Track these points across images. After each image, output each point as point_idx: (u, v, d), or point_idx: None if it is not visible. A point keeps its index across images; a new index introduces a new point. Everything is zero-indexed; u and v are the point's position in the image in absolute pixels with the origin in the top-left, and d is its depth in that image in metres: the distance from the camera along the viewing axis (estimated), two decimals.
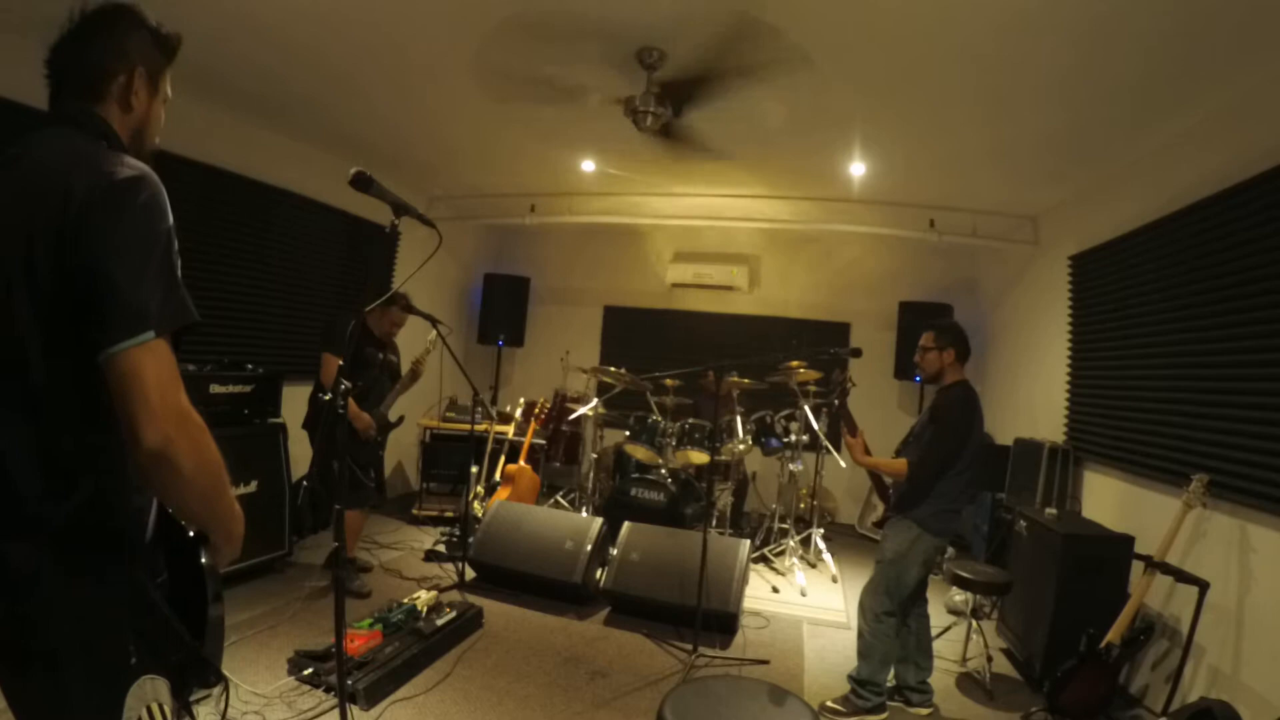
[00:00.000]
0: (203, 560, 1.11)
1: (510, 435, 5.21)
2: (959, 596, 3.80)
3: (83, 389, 0.97)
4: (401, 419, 3.88)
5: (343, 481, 2.02)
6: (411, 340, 5.57)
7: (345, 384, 1.99)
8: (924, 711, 2.82)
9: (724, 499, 4.89)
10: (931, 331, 2.85)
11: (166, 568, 1.11)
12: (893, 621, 2.73)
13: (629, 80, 3.16)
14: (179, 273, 1.02)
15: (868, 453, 2.91)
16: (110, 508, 1.02)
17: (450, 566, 4.10)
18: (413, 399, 5.67)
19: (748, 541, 3.76)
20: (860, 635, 2.77)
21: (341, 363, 2.09)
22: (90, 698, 0.98)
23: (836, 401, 3.18)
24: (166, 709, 1.03)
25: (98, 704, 0.98)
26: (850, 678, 2.79)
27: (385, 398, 3.70)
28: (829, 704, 2.76)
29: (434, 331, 3.66)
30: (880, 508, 3.03)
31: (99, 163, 0.99)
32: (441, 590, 3.55)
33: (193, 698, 1.10)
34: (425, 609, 3.10)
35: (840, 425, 3.06)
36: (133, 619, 1.01)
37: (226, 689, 1.24)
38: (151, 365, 0.94)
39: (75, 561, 0.98)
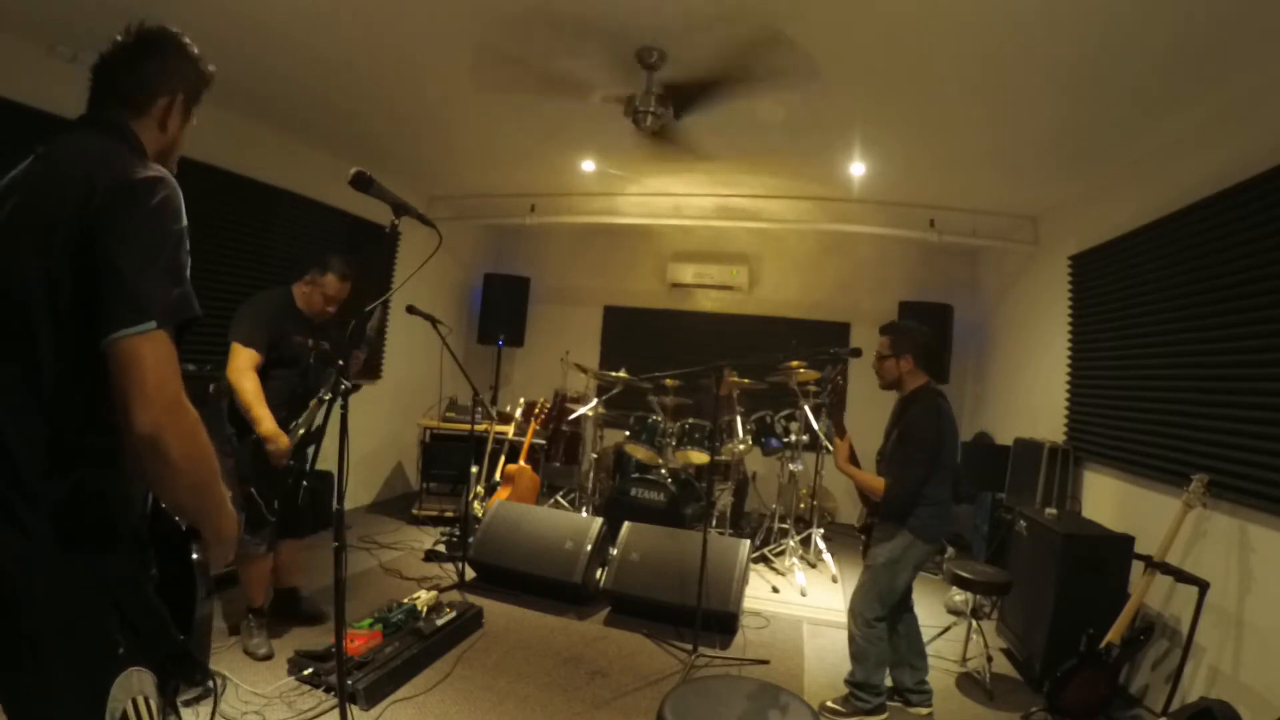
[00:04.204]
0: (194, 556, 1.11)
1: (510, 435, 5.20)
2: (959, 596, 3.80)
3: (88, 384, 1.00)
4: (320, 430, 2.58)
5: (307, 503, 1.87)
6: (410, 339, 5.53)
7: (347, 384, 1.95)
8: (924, 711, 2.81)
9: (724, 499, 4.89)
10: (886, 338, 2.72)
11: (158, 564, 1.12)
12: (884, 626, 2.72)
13: (629, 80, 3.16)
14: (187, 270, 1.05)
15: (853, 460, 2.87)
16: (103, 498, 1.04)
17: (450, 566, 4.10)
18: (412, 399, 5.71)
19: (748, 541, 3.76)
20: (852, 639, 2.75)
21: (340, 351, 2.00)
22: (76, 686, 0.98)
23: (829, 400, 3.13)
24: (152, 703, 1.03)
25: (83, 693, 0.98)
26: (847, 681, 2.78)
27: (303, 414, 2.83)
28: (829, 704, 2.76)
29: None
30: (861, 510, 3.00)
31: (122, 163, 1.04)
32: (441, 590, 3.55)
33: (180, 697, 1.10)
34: (425, 609, 3.10)
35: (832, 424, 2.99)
36: (121, 610, 1.02)
37: (215, 687, 1.24)
38: (151, 354, 0.97)
39: (67, 547, 0.99)
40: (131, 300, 0.96)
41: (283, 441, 2.73)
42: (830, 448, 4.85)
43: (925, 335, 2.74)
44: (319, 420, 2.60)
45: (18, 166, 1.11)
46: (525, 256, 6.90)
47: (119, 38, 1.15)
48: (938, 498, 2.65)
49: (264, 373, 2.80)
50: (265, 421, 2.70)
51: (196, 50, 1.22)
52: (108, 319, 0.96)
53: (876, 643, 2.70)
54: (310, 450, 2.69)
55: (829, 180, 4.65)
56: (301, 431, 2.78)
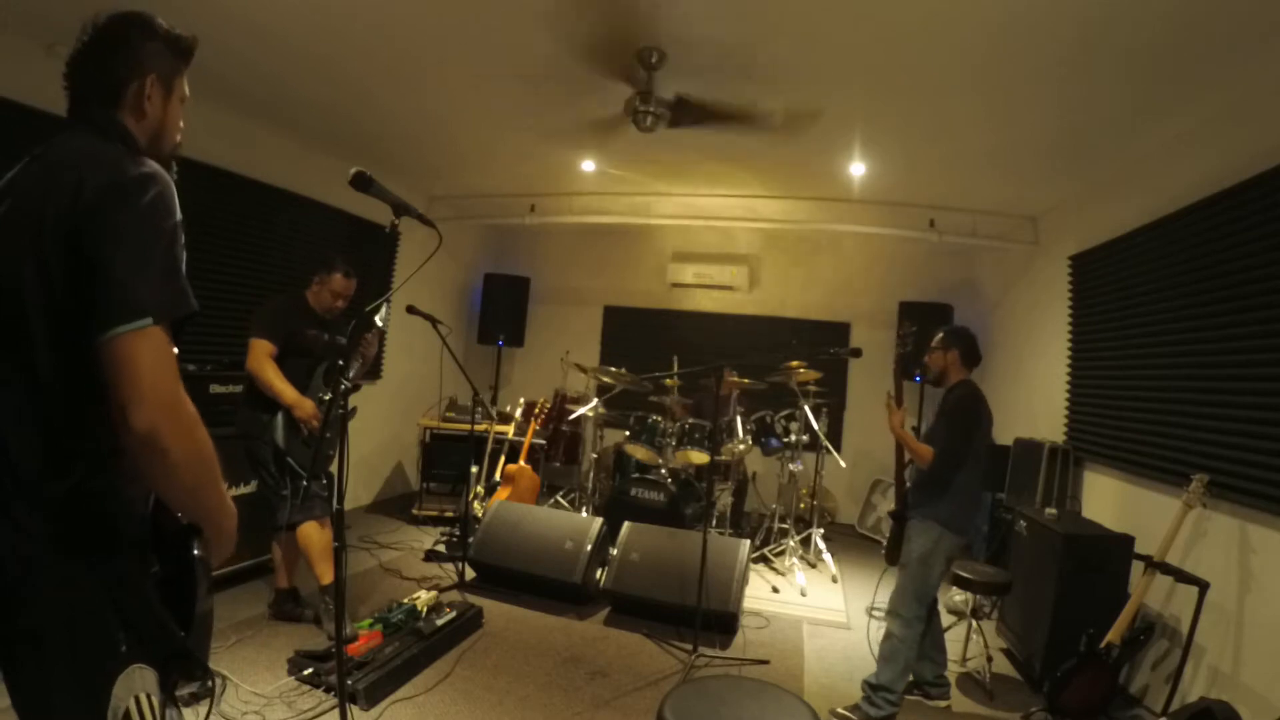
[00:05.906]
0: (194, 553, 1.12)
1: (510, 435, 5.20)
2: (959, 596, 3.80)
3: (85, 385, 0.99)
4: (354, 410, 2.70)
5: (334, 486, 1.92)
6: (410, 339, 5.55)
7: (347, 383, 1.95)
8: (943, 704, 2.88)
9: (724, 499, 4.89)
10: (941, 333, 3.00)
11: (159, 561, 1.12)
12: (921, 625, 2.76)
13: (629, 81, 3.16)
14: (182, 267, 1.04)
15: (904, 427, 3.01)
16: (103, 498, 1.04)
17: (450, 566, 4.10)
18: (412, 399, 5.71)
19: (748, 541, 3.76)
20: (889, 637, 2.74)
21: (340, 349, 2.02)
22: (77, 683, 0.99)
23: (897, 353, 3.24)
24: (154, 700, 1.04)
25: (84, 690, 0.98)
26: (867, 683, 2.75)
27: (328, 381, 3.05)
28: (840, 710, 2.74)
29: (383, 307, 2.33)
30: (890, 497, 3.07)
31: (111, 161, 1.03)
32: (441, 590, 3.55)
33: (179, 691, 1.10)
34: (425, 609, 3.10)
35: (893, 386, 3.14)
36: (122, 607, 1.02)
37: (213, 685, 1.24)
38: (147, 351, 0.96)
39: (67, 547, 0.99)
40: (126, 298, 0.95)
41: (308, 404, 2.94)
42: (830, 448, 4.89)
43: (973, 338, 3.01)
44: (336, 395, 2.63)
45: (13, 169, 1.10)
46: (525, 256, 6.90)
47: (79, 37, 1.13)
48: (962, 487, 2.72)
49: (280, 362, 3.00)
50: (288, 392, 2.93)
51: (163, 25, 1.17)
52: (102, 318, 0.95)
53: (912, 645, 2.73)
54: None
55: (829, 180, 4.65)
56: (327, 397, 2.97)
